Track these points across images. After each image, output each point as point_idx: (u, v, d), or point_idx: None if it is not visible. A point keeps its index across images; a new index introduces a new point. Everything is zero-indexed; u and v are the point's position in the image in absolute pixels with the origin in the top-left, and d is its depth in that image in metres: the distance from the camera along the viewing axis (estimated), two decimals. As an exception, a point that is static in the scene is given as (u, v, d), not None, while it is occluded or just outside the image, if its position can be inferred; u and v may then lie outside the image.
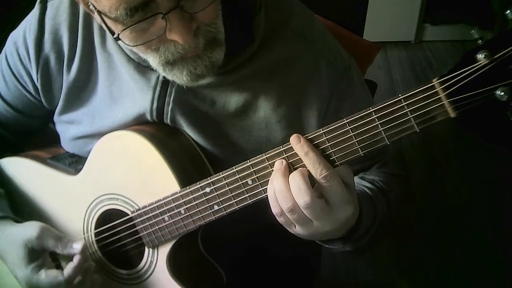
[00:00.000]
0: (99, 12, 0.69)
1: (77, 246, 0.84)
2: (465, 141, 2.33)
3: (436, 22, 3.12)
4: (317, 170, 0.65)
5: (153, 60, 0.74)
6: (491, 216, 2.07)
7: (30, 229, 0.85)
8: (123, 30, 0.68)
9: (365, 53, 1.18)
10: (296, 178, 0.65)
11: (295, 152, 0.67)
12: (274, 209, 0.69)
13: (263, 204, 0.73)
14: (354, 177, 0.87)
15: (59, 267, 0.88)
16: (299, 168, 0.67)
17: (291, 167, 0.68)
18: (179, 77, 0.75)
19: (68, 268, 0.83)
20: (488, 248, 1.95)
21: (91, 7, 0.71)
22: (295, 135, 0.67)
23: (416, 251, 1.97)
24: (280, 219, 0.70)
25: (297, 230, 0.70)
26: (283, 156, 0.69)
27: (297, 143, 0.66)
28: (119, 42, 0.74)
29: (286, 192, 0.66)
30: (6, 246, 0.85)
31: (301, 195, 0.65)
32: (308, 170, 0.66)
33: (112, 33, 0.70)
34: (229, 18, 0.75)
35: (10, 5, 1.62)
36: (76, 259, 0.83)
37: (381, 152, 0.89)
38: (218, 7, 0.72)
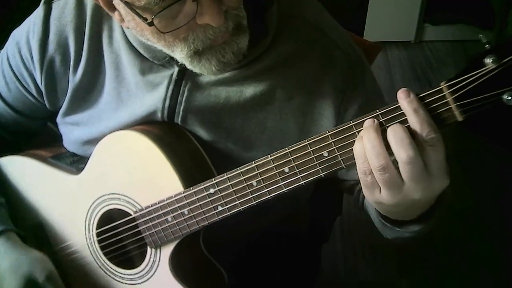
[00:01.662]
0: (126, 3, 0.68)
1: None
2: (465, 140, 2.32)
3: (436, 22, 3.11)
4: (425, 130, 0.59)
5: (180, 52, 0.73)
6: (491, 216, 2.07)
7: (39, 267, 0.85)
8: (154, 16, 0.67)
9: (365, 53, 1.17)
10: (398, 130, 0.60)
11: (300, 155, 0.66)
12: (362, 166, 0.63)
13: (266, 204, 0.73)
14: None
15: None
16: (397, 123, 0.61)
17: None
18: (208, 67, 0.75)
19: None
20: (488, 248, 1.96)
21: (114, 1, 0.71)
22: (404, 89, 0.61)
23: (416, 251, 1.97)
24: (366, 179, 0.64)
25: (382, 195, 0.64)
26: (289, 158, 0.68)
27: (405, 98, 0.60)
28: (130, 37, 0.74)
29: (380, 148, 0.60)
30: (9, 269, 0.84)
31: (404, 148, 0.59)
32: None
33: (145, 19, 0.68)
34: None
35: (10, 5, 1.62)
36: None
37: None
38: None
